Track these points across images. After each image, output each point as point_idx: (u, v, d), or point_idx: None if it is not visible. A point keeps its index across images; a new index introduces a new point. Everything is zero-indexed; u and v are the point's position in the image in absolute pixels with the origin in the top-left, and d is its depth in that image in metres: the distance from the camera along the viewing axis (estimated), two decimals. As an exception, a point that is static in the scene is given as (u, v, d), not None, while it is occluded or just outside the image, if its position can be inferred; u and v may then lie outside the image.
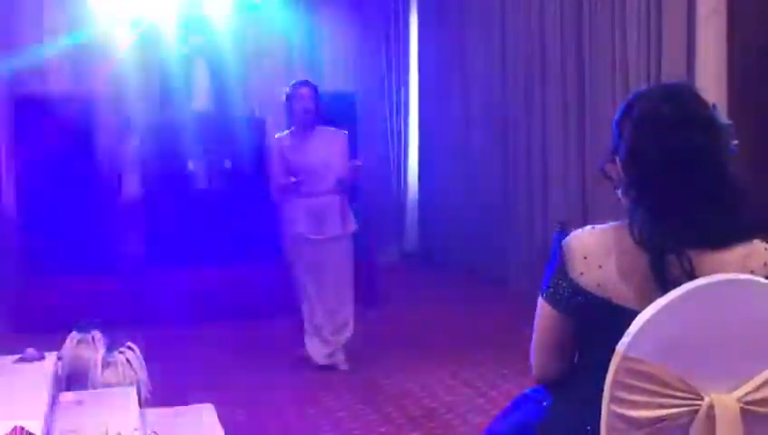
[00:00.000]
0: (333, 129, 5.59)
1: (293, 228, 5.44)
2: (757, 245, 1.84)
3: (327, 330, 5.48)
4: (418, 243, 9.74)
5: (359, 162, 5.60)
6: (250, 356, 5.84)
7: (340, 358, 5.49)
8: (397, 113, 9.81)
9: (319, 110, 5.45)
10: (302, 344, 5.54)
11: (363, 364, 5.49)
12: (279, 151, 5.46)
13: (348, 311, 5.54)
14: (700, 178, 1.81)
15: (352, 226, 5.54)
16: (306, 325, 5.51)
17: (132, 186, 8.12)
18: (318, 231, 5.40)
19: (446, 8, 8.98)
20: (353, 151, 5.81)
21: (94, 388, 3.44)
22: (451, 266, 8.81)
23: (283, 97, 5.49)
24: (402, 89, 9.87)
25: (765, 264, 1.83)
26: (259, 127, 7.99)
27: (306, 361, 5.48)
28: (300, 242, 5.43)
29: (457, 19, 8.73)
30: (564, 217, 6.52)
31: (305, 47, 9.45)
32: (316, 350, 5.48)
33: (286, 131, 5.54)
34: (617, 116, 1.92)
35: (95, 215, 7.92)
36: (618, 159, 1.91)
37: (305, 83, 5.52)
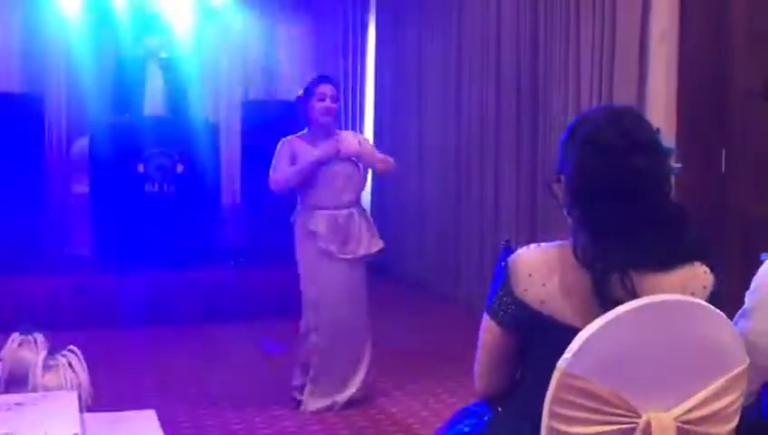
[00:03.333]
0: (352, 132, 5.04)
1: (315, 244, 4.72)
2: (698, 268, 1.88)
3: (341, 365, 4.82)
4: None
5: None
6: (198, 362, 5.79)
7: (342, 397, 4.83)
8: (352, 123, 9.82)
9: (337, 97, 4.79)
10: (295, 383, 4.90)
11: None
12: (290, 153, 4.73)
13: (366, 348, 4.90)
14: (642, 201, 1.84)
15: (378, 243, 4.89)
16: (314, 360, 4.80)
17: (81, 185, 8.02)
18: (345, 249, 4.75)
19: (404, 21, 9.03)
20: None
21: (35, 391, 3.38)
22: (403, 280, 8.82)
23: (300, 92, 4.79)
24: (357, 100, 9.89)
25: (705, 287, 1.87)
26: (213, 131, 7.94)
27: (298, 405, 4.83)
28: (322, 260, 4.74)
29: (415, 32, 8.78)
30: (513, 233, 6.58)
31: (261, 53, 9.43)
32: (311, 389, 4.81)
33: (299, 134, 4.82)
34: (562, 137, 1.95)
35: (40, 214, 7.82)
36: (563, 179, 1.94)
37: (328, 79, 4.83)
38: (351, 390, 4.85)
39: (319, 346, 4.78)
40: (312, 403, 4.80)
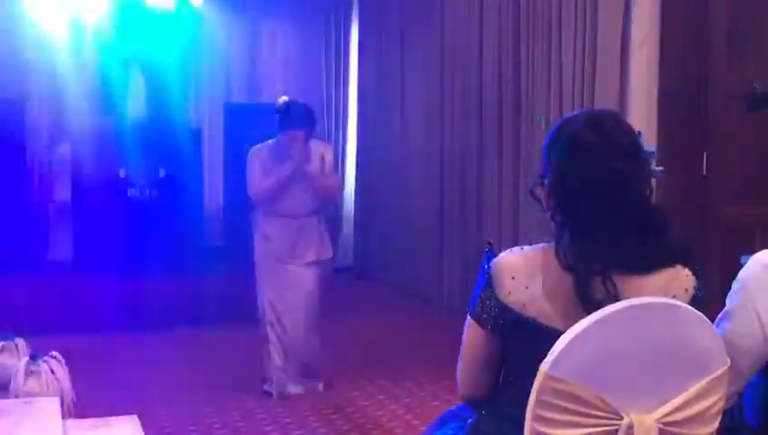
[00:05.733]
0: (320, 142, 5.29)
1: (268, 247, 5.07)
2: (679, 270, 1.89)
3: (294, 356, 5.12)
4: (353, 258, 9.76)
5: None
6: (182, 367, 5.77)
7: (298, 387, 5.14)
8: (335, 128, 9.82)
9: (312, 136, 5.06)
10: (263, 376, 5.17)
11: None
12: (260, 162, 5.00)
13: (314, 345, 5.15)
14: (623, 205, 1.85)
15: (329, 252, 5.24)
16: (272, 350, 5.09)
17: (63, 190, 7.99)
18: (293, 254, 5.05)
19: (387, 24, 9.04)
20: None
21: (16, 397, 3.37)
22: (385, 282, 8.83)
23: (280, 102, 5.04)
24: (341, 103, 9.89)
25: (686, 289, 1.88)
26: (195, 135, 7.93)
27: (266, 393, 5.11)
28: (273, 262, 5.07)
29: (398, 35, 8.79)
30: (496, 236, 6.60)
31: (244, 57, 9.42)
32: (280, 377, 5.09)
33: (269, 142, 5.09)
34: (545, 141, 1.96)
35: (22, 219, 7.79)
36: (545, 183, 1.95)
37: (300, 125, 4.95)
38: (313, 382, 5.19)
39: (276, 341, 5.09)
40: (282, 390, 5.08)
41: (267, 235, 5.07)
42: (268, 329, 5.10)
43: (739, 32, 5.01)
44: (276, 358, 5.09)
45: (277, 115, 5.01)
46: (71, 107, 8.02)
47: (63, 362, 3.62)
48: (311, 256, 5.10)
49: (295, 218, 5.05)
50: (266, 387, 5.13)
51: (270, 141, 5.10)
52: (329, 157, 5.16)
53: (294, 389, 5.12)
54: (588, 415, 1.73)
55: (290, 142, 4.95)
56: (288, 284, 5.07)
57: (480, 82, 7.12)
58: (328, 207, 5.35)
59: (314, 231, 5.13)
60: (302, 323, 5.10)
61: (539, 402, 1.73)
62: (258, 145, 5.11)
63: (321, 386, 5.21)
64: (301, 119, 5.00)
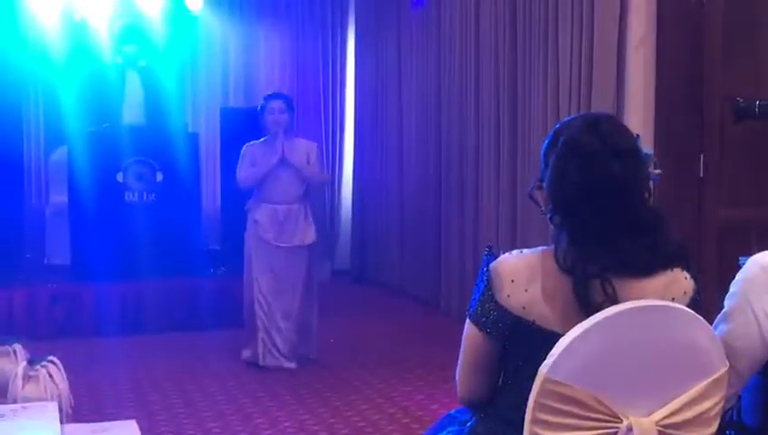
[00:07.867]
0: (305, 140, 6.00)
1: (257, 232, 5.67)
2: (678, 273, 1.89)
3: (285, 330, 5.71)
4: (351, 261, 9.75)
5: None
6: (179, 371, 5.76)
7: (290, 362, 5.73)
8: (332, 131, 9.82)
9: (292, 121, 5.80)
10: (244, 346, 5.85)
11: (289, 379, 5.47)
12: (249, 156, 5.70)
13: (309, 320, 5.84)
14: (620, 208, 1.85)
15: (311, 237, 5.76)
16: (256, 323, 5.69)
17: (60, 194, 7.96)
18: (280, 238, 5.65)
19: (383, 29, 9.04)
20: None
21: (14, 402, 3.36)
22: (383, 286, 8.83)
23: (259, 107, 5.79)
24: (338, 106, 9.89)
25: (685, 292, 1.88)
26: (192, 139, 7.91)
27: (247, 364, 5.75)
28: (262, 246, 5.66)
29: (394, 39, 8.80)
30: (494, 239, 6.60)
31: (240, 61, 9.42)
32: (262, 349, 5.70)
33: (260, 140, 5.77)
34: (544, 145, 1.96)
35: (19, 224, 7.77)
36: (544, 186, 1.95)
37: (277, 96, 5.86)
38: (307, 350, 5.87)
39: (262, 317, 5.68)
40: (269, 360, 5.70)
41: (256, 220, 5.67)
42: (255, 305, 5.69)
43: (735, 34, 5.01)
44: (261, 329, 5.66)
45: (259, 108, 5.77)
46: (67, 111, 7.98)
47: (62, 366, 3.61)
48: (296, 241, 5.69)
49: (282, 205, 5.66)
50: (246, 355, 5.79)
51: (262, 139, 5.77)
52: (313, 156, 5.77)
53: (287, 363, 5.69)
54: (587, 418, 1.73)
55: (272, 123, 5.60)
56: (275, 264, 5.66)
57: (477, 85, 7.12)
58: (313, 195, 6.04)
59: (300, 216, 5.71)
60: (291, 294, 5.70)
61: (538, 405, 1.73)
62: (252, 141, 5.80)
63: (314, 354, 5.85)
64: (277, 94, 5.97)
